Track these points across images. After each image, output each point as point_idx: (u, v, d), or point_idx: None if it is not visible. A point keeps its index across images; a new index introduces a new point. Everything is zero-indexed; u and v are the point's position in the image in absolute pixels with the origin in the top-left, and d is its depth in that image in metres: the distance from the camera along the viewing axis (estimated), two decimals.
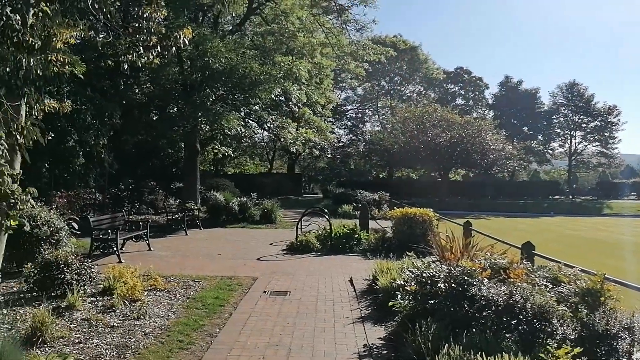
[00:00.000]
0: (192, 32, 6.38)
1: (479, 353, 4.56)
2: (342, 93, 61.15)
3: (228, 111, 21.40)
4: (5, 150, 4.00)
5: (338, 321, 7.12)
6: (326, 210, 16.84)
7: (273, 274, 10.43)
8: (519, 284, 5.66)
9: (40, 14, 4.88)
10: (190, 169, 23.79)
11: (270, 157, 55.27)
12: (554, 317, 4.95)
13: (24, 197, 3.90)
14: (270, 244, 14.86)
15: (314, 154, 42.88)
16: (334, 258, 12.67)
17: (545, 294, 5.44)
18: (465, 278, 5.66)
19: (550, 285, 6.12)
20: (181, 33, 6.27)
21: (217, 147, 30.85)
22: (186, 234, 16.89)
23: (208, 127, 24.13)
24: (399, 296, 6.80)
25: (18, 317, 6.65)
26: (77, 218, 12.99)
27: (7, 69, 4.57)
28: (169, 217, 18.46)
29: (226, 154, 29.96)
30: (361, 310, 7.75)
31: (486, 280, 5.81)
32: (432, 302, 5.73)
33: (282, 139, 26.54)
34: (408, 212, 13.60)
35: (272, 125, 26.91)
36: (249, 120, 26.71)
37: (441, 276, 5.81)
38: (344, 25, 28.36)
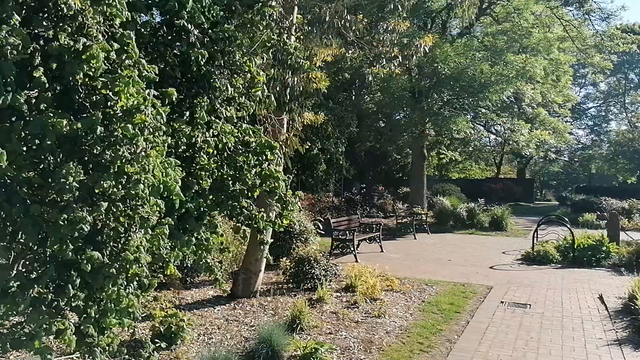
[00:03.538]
0: (432, 39, 6.50)
1: None
2: (582, 90, 55.09)
3: (456, 115, 21.15)
4: (279, 159, 4.63)
5: (589, 341, 6.44)
6: (566, 219, 15.40)
7: (509, 284, 9.94)
8: None
9: (301, 37, 5.51)
10: (417, 173, 24.11)
11: (497, 161, 52.62)
12: None
13: (293, 199, 4.45)
14: (503, 253, 14.19)
15: (548, 157, 39.42)
16: (577, 271, 11.52)
17: None
18: None
19: None
20: (421, 42, 6.42)
21: (443, 151, 30.70)
22: (415, 238, 17.16)
23: (434, 132, 24.19)
24: None
25: (279, 305, 7.61)
26: (322, 219, 14.30)
27: (277, 88, 5.26)
28: (398, 221, 19.01)
29: (453, 158, 29.58)
30: (616, 331, 6.88)
31: None
32: None
33: (512, 142, 25.11)
34: None
35: (501, 128, 25.65)
36: (476, 124, 25.90)
37: None
38: (586, 16, 25.59)
